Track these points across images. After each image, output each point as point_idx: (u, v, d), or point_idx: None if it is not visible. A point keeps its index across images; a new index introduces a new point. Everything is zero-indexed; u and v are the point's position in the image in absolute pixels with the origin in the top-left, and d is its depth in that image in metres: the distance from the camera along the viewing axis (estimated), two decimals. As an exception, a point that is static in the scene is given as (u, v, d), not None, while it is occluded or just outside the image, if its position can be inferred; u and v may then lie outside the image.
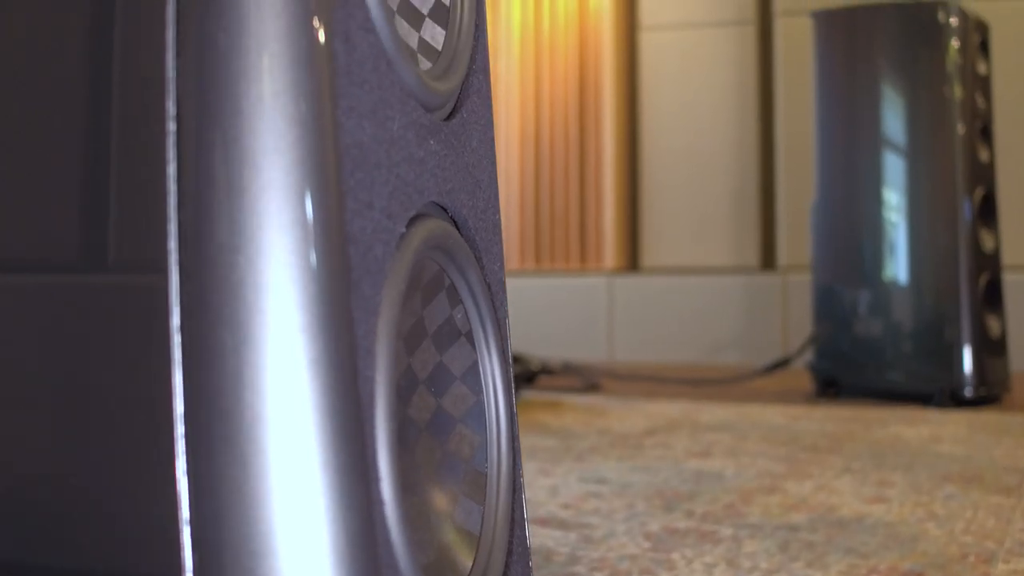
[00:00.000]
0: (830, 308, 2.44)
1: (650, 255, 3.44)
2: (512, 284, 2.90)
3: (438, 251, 0.50)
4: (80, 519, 0.47)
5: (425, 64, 0.53)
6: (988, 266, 2.30)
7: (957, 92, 2.26)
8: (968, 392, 2.23)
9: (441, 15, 0.56)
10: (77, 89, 0.47)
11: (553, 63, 3.52)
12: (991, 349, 2.28)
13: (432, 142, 0.48)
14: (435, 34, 0.55)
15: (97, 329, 0.45)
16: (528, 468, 1.62)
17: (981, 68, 2.33)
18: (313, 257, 0.38)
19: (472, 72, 0.57)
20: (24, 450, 0.48)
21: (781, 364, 2.61)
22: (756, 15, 3.35)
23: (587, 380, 2.64)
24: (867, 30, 2.41)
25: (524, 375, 2.54)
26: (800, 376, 2.62)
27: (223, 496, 0.42)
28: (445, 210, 0.51)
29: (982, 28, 2.36)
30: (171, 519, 0.43)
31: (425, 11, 0.56)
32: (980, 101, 2.32)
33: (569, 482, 1.51)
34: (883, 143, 2.36)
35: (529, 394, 2.44)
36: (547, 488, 1.47)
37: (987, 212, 2.32)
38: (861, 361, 2.38)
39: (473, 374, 0.55)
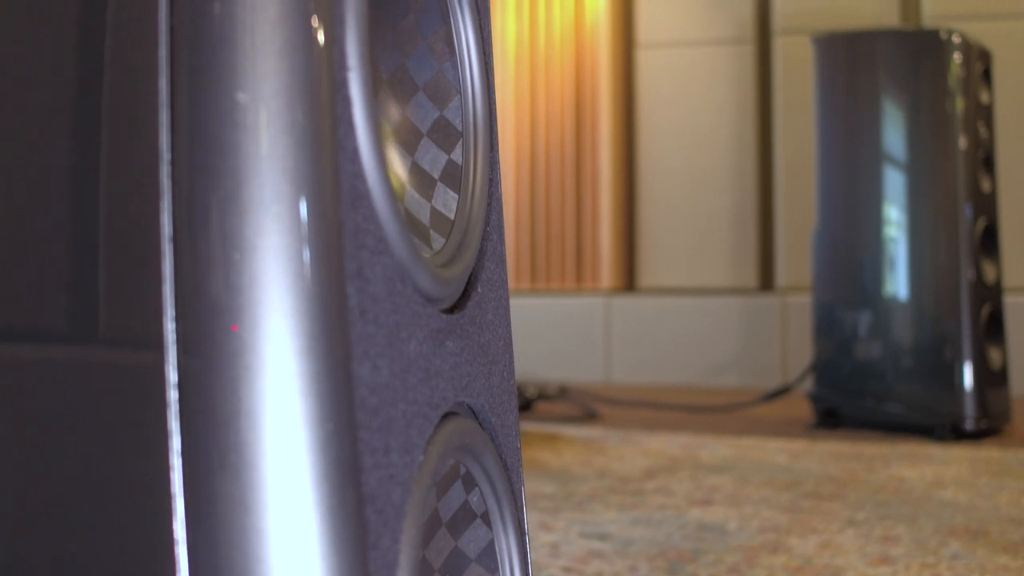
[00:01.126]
0: (830, 334, 2.42)
1: (647, 275, 3.41)
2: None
3: (456, 450, 0.47)
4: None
5: (438, 241, 0.51)
6: (990, 297, 2.28)
7: (958, 122, 2.24)
8: (969, 425, 2.22)
9: (454, 176, 0.54)
10: (65, 150, 0.44)
11: (549, 80, 3.49)
12: (992, 381, 2.26)
13: (449, 343, 0.46)
14: (447, 200, 0.53)
15: (87, 406, 0.43)
16: (528, 519, 1.60)
17: (983, 97, 2.31)
18: (326, 528, 0.35)
19: (487, 236, 0.54)
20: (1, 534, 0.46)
21: (781, 392, 2.59)
22: (754, 33, 3.32)
23: (584, 408, 2.62)
24: (868, 55, 2.39)
25: (521, 403, 2.52)
26: (800, 401, 2.61)
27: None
28: (461, 401, 0.49)
29: (985, 56, 2.33)
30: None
31: (436, 174, 0.53)
32: (982, 130, 2.30)
33: (570, 538, 1.49)
34: (885, 172, 2.34)
35: (526, 425, 2.42)
36: (548, 546, 1.45)
37: (989, 242, 2.30)
38: (861, 391, 2.36)
39: (489, 553, 0.53)
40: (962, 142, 2.23)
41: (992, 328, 2.29)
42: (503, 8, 3.52)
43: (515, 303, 3.27)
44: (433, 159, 0.53)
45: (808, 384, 2.50)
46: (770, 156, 3.31)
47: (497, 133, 0.57)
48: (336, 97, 0.38)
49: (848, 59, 2.42)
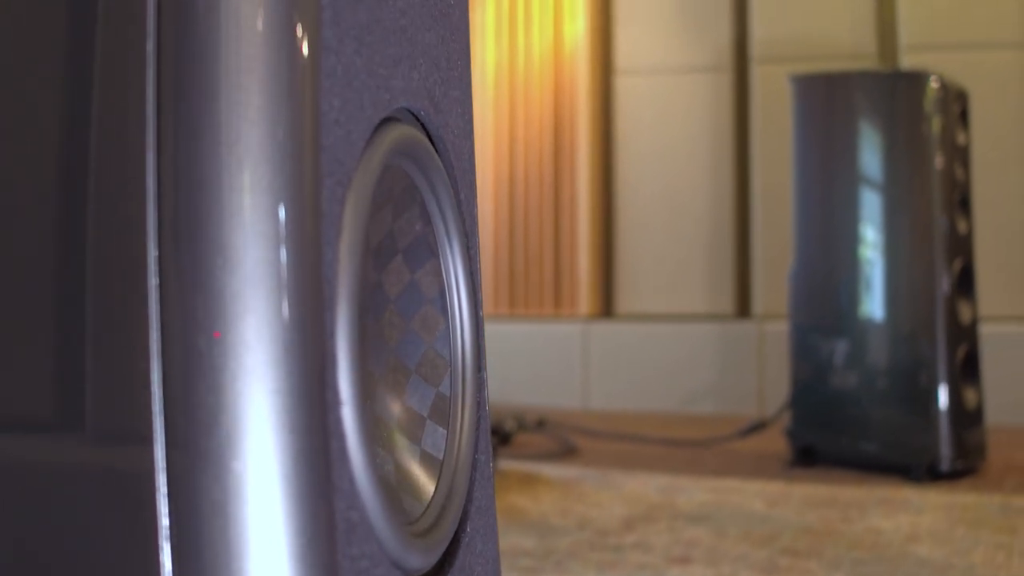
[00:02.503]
0: (807, 370, 2.43)
1: (625, 301, 3.42)
2: (486, 329, 2.87)
3: None
4: None
5: (427, 488, 0.50)
6: (966, 337, 2.30)
7: (936, 161, 2.25)
8: (945, 465, 2.23)
9: (442, 411, 0.53)
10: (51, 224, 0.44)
11: (528, 105, 3.48)
12: (968, 421, 2.28)
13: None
14: (436, 438, 0.52)
15: (71, 504, 0.42)
16: (508, 583, 1.61)
17: (960, 138, 2.32)
18: None
19: (476, 464, 0.54)
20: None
21: (758, 427, 2.61)
22: (732, 62, 3.32)
23: (563, 442, 2.63)
24: (846, 94, 2.39)
25: (500, 438, 2.53)
26: (777, 433, 2.62)
27: None
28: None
29: (962, 97, 2.34)
30: None
31: (425, 412, 0.53)
32: (959, 171, 2.30)
33: (550, 606, 1.50)
34: (862, 212, 2.35)
35: (506, 463, 2.42)
36: (528, 618, 1.46)
37: (965, 283, 2.31)
38: (837, 429, 2.38)
39: None
40: (938, 196, 2.24)
41: (968, 368, 2.30)
42: (482, 33, 3.51)
43: (492, 329, 3.27)
44: (422, 396, 0.53)
45: (784, 418, 2.51)
46: (747, 183, 3.32)
47: (485, 355, 0.57)
48: (330, 441, 0.37)
49: (826, 98, 2.43)
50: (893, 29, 3.15)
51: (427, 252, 0.53)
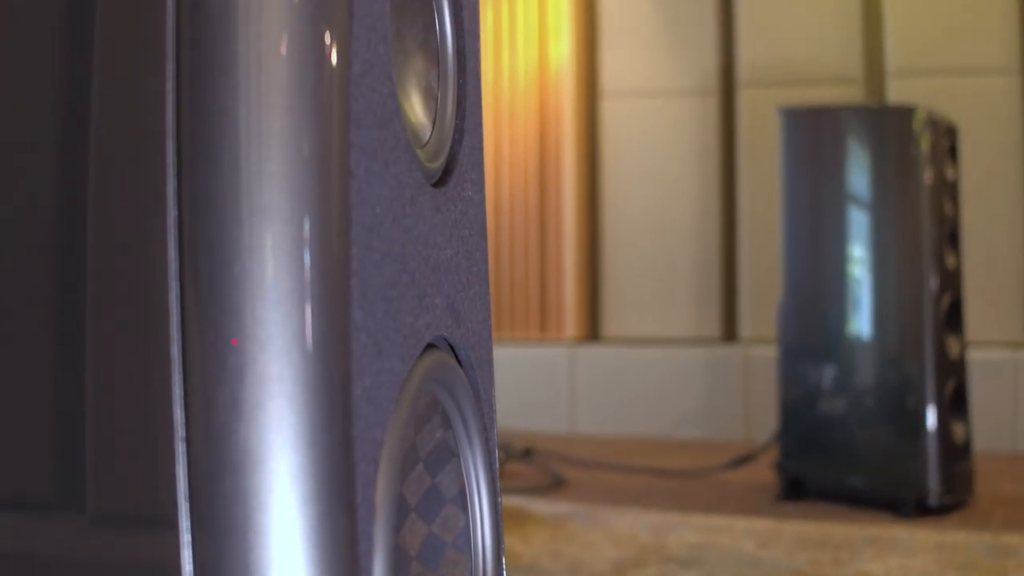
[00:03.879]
0: (796, 396, 2.43)
1: (611, 325, 3.41)
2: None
3: None
4: None
5: None
6: (954, 372, 2.30)
7: (925, 197, 2.25)
8: (933, 500, 2.24)
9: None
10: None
11: (513, 128, 3.46)
12: (956, 455, 2.28)
13: None
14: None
15: None
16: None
17: (949, 173, 2.32)
18: None
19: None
20: None
21: (746, 459, 2.61)
22: (718, 85, 3.31)
23: (551, 474, 2.62)
24: (833, 128, 2.39)
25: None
26: (766, 460, 2.62)
27: None
28: None
29: (951, 132, 2.34)
30: None
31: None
32: (948, 206, 2.30)
33: (545, 668, 1.49)
34: (850, 241, 2.35)
35: (494, 497, 2.41)
36: None
37: (953, 318, 2.31)
38: (826, 463, 2.37)
39: None
40: (927, 231, 2.24)
41: (956, 402, 2.31)
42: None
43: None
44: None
45: (772, 447, 2.51)
46: (733, 206, 3.31)
47: (503, 543, 0.56)
48: None
49: (815, 130, 2.42)
50: (880, 54, 3.15)
51: (447, 455, 0.52)
